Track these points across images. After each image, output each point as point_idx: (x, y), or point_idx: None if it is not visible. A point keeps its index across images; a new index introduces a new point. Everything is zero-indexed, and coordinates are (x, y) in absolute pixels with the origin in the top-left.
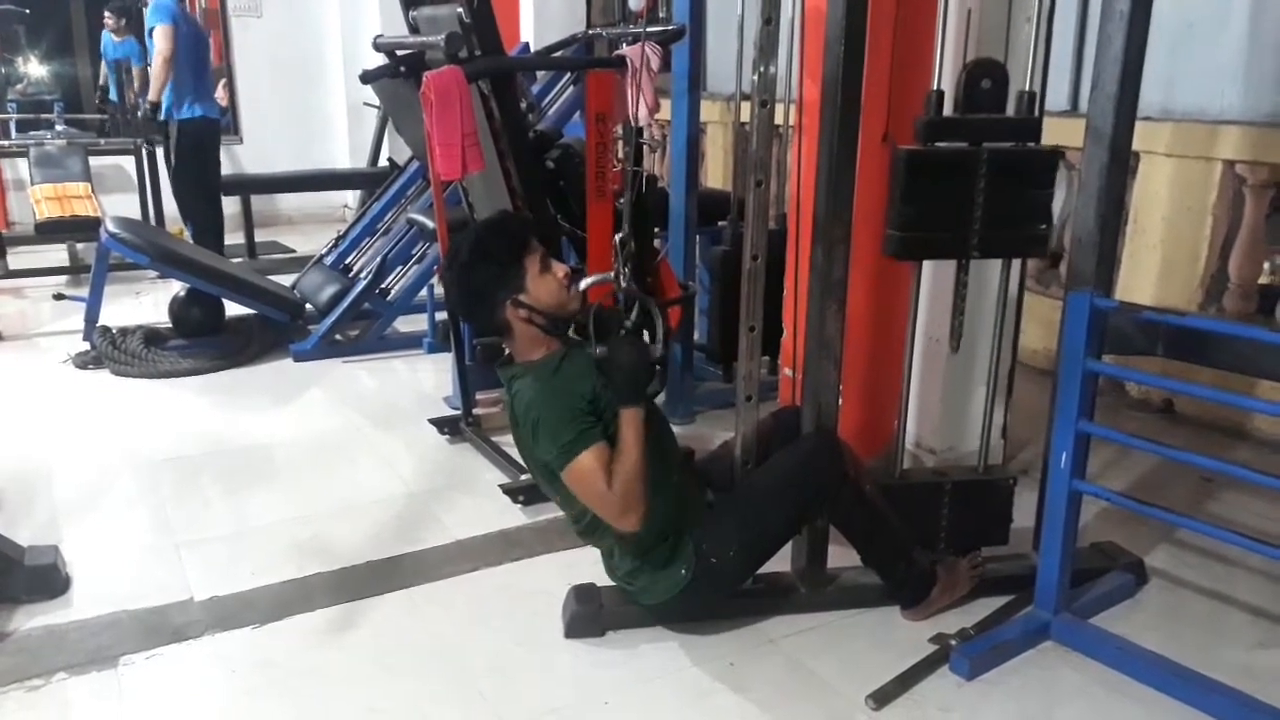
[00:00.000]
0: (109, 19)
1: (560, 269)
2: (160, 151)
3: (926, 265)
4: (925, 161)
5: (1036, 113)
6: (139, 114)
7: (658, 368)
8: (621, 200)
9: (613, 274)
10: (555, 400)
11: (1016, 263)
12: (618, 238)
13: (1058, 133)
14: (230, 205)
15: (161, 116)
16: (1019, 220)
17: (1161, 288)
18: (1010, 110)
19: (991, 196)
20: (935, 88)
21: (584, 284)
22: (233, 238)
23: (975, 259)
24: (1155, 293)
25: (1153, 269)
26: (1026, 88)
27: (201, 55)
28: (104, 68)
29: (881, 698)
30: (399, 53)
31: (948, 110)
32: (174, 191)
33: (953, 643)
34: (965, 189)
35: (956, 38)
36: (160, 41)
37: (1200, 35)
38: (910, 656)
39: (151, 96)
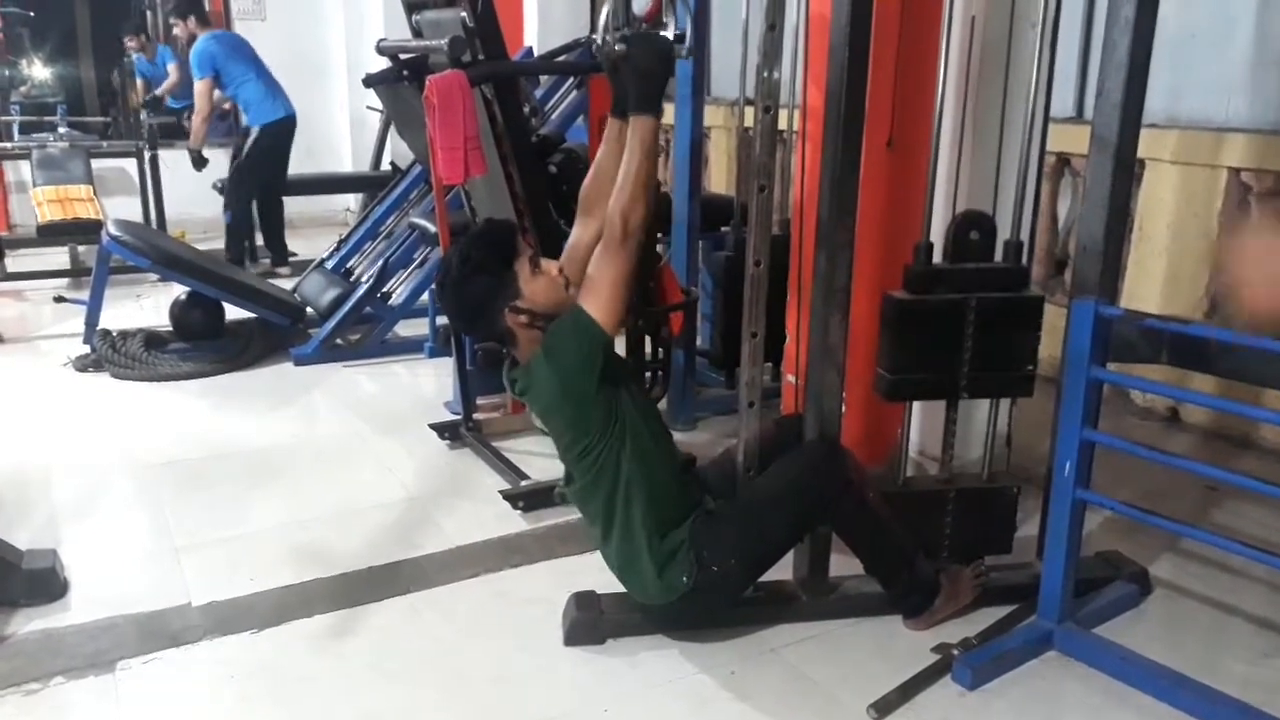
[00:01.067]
0: (130, 43)
1: (552, 266)
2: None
3: None
4: (916, 310)
5: (1023, 261)
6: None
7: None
8: None
9: None
10: (554, 345)
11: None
12: None
13: (1062, 139)
14: None
15: (245, 124)
16: (1006, 363)
17: (1167, 295)
18: (999, 257)
19: (979, 342)
20: (925, 240)
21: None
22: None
23: (964, 400)
24: (1160, 300)
25: (1158, 277)
26: (1013, 238)
27: (256, 60)
28: (139, 83)
29: (883, 707)
30: (402, 56)
31: (937, 258)
32: (231, 187)
33: (955, 652)
34: (954, 335)
35: (960, 43)
36: (199, 100)
37: (1206, 43)
38: (912, 666)
39: (193, 145)
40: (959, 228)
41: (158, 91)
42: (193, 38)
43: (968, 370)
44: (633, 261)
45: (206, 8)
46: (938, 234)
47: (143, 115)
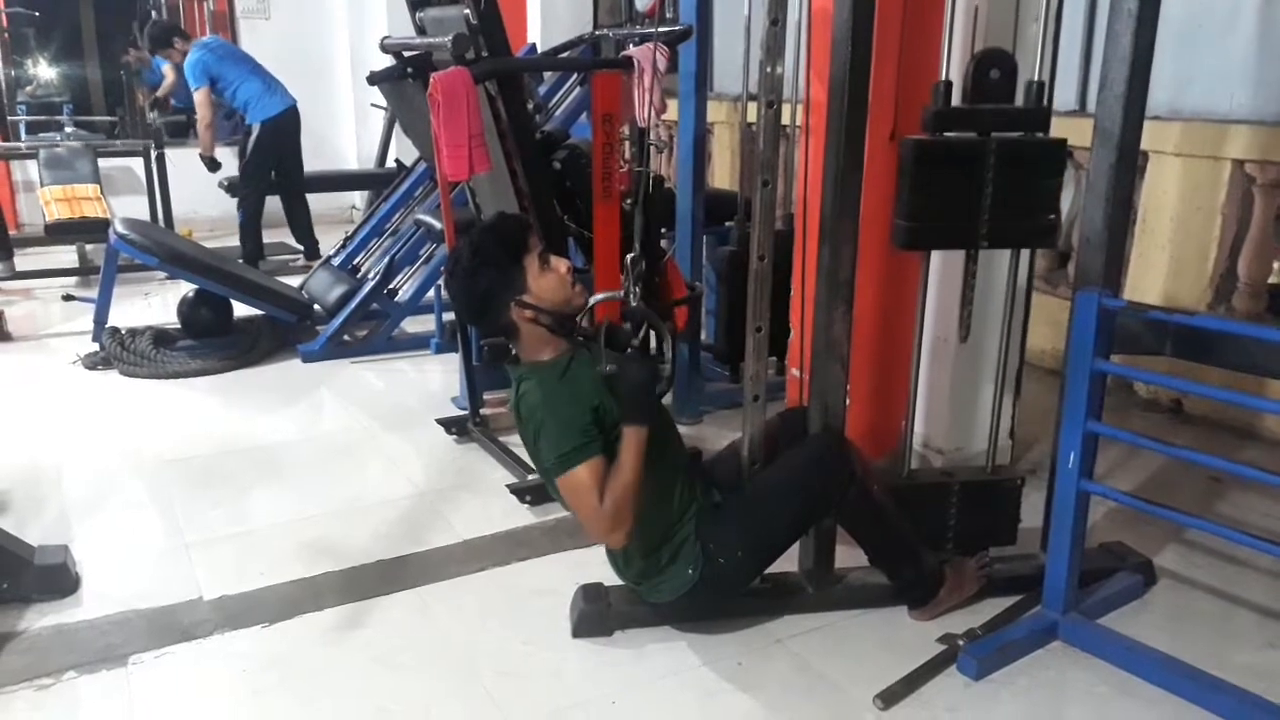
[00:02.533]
0: (131, 55)
1: (561, 264)
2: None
3: (934, 264)
4: (933, 152)
5: (1045, 103)
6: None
7: (666, 381)
8: (628, 201)
9: (622, 293)
10: (560, 407)
11: (1025, 257)
12: (629, 258)
13: (1065, 132)
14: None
15: (247, 122)
16: (1027, 211)
17: (1170, 287)
18: (1019, 101)
19: (1000, 187)
20: (943, 78)
21: (593, 300)
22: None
23: (984, 249)
24: (1164, 292)
25: (1161, 268)
26: (1035, 78)
27: (248, 59)
28: (145, 90)
29: (889, 698)
30: (406, 54)
31: (956, 101)
32: (241, 185)
33: (960, 643)
34: (973, 179)
35: (963, 37)
36: (200, 109)
37: (1209, 34)
38: (918, 657)
39: (203, 152)
40: (978, 66)
41: (158, 94)
42: (185, 54)
43: (987, 218)
44: (596, 539)
45: (182, 26)
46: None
47: (150, 116)
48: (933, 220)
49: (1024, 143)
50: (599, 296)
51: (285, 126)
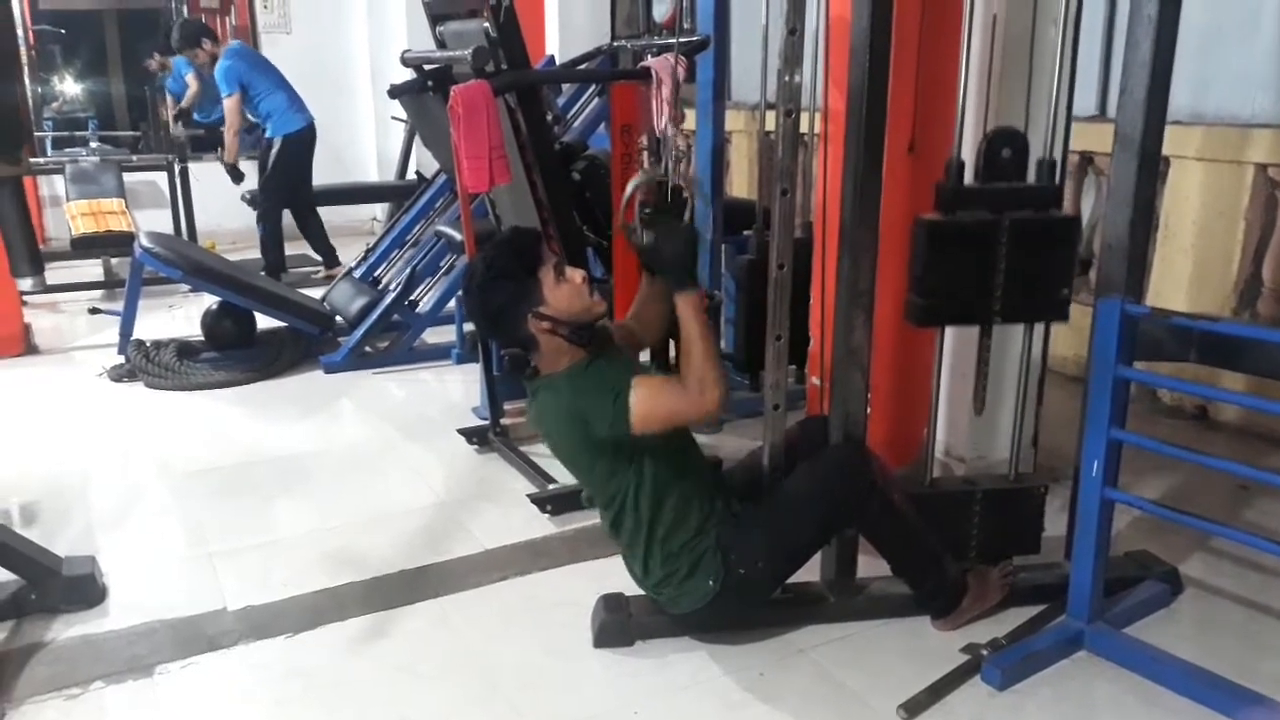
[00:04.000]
0: (153, 64)
1: (577, 274)
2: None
3: None
4: (947, 231)
5: (1056, 180)
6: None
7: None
8: (647, 211)
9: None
10: (590, 388)
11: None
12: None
13: (1085, 138)
14: None
15: (268, 135)
16: (1041, 286)
17: (1194, 293)
18: (1031, 178)
19: (1013, 264)
20: (955, 156)
21: (631, 185)
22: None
23: (998, 325)
24: (1187, 298)
25: (1184, 274)
26: (1045, 156)
27: (275, 72)
28: (169, 100)
29: (913, 708)
30: (426, 67)
31: (968, 179)
32: (262, 199)
33: (984, 652)
34: (987, 257)
35: (982, 43)
36: (229, 116)
37: (1230, 38)
38: (941, 666)
39: (227, 159)
40: (990, 145)
41: (183, 104)
42: (214, 58)
43: (1001, 294)
44: (698, 420)
45: (208, 28)
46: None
47: (175, 129)
48: (947, 297)
49: (1037, 220)
50: (637, 180)
51: (307, 142)
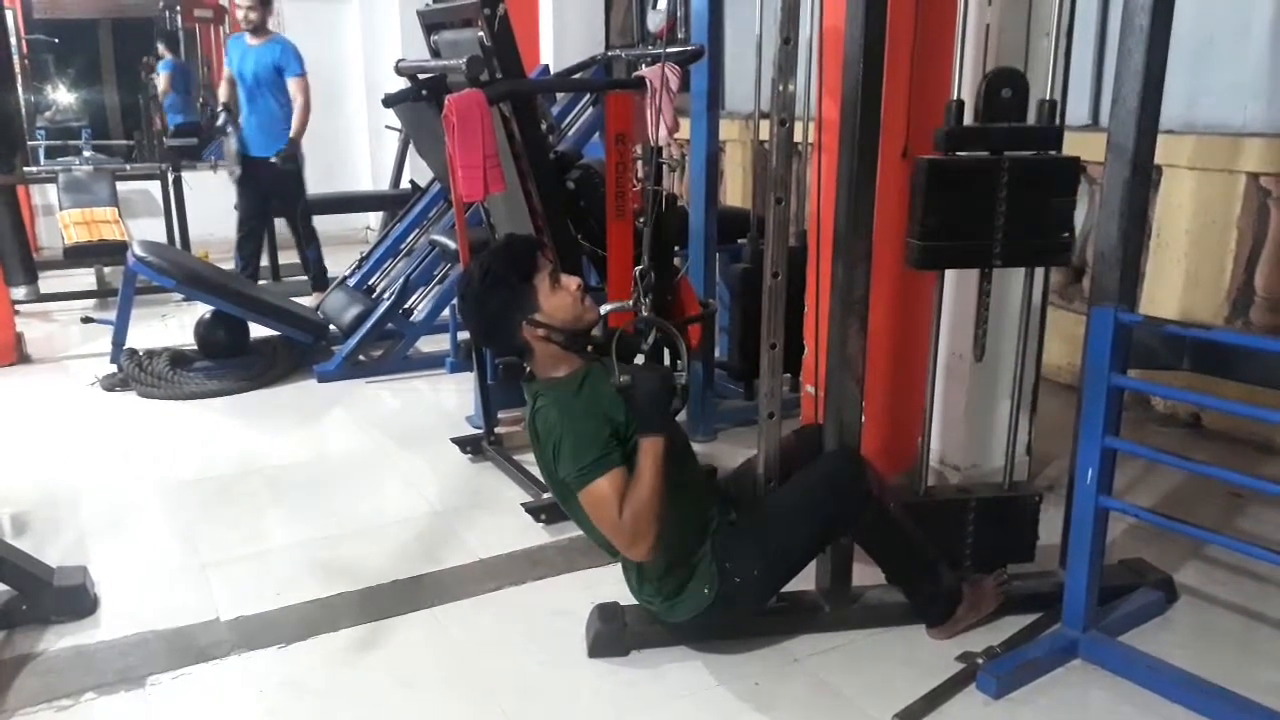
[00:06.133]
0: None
1: (572, 282)
2: (187, 178)
3: (948, 280)
4: (946, 171)
5: (1057, 121)
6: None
7: (680, 393)
8: (642, 220)
9: (631, 302)
10: (578, 422)
11: (1039, 274)
12: (638, 270)
13: (1078, 147)
14: None
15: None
16: (1041, 229)
17: (1186, 301)
18: (1031, 119)
19: (1013, 205)
20: (955, 97)
21: (605, 309)
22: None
23: (998, 268)
24: (1180, 307)
25: (1177, 283)
26: (1047, 96)
27: None
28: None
29: (908, 717)
30: (421, 76)
31: (968, 120)
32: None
33: (979, 661)
34: (987, 198)
35: (975, 53)
36: (302, 95)
37: (1222, 48)
38: (937, 675)
39: (295, 134)
40: (990, 86)
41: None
42: (261, 25)
43: (1001, 237)
44: (626, 552)
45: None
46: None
47: (167, 119)
48: (946, 239)
49: (1037, 161)
50: (609, 306)
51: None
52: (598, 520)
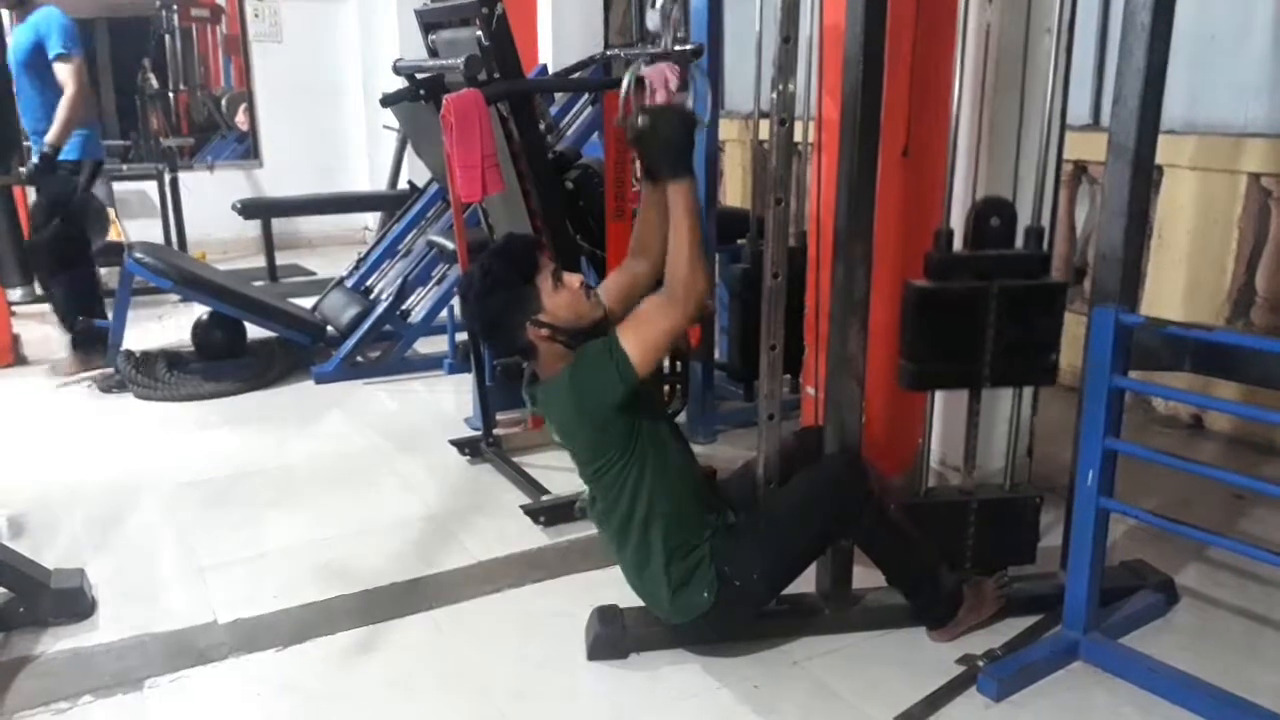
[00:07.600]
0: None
1: (574, 280)
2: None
3: None
4: (937, 298)
5: (1044, 248)
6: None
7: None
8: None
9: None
10: (582, 366)
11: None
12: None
13: (1079, 147)
14: (251, 229)
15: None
16: (1029, 351)
17: (1188, 302)
18: (1019, 244)
19: (1002, 329)
20: (945, 227)
21: (629, 75)
22: (253, 261)
23: (987, 389)
24: (1181, 307)
25: (1178, 283)
26: (1034, 224)
27: None
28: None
29: (908, 719)
30: (419, 76)
31: (957, 246)
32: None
33: (980, 663)
34: (976, 323)
35: (975, 53)
36: (74, 81)
37: (1223, 48)
38: (937, 678)
39: (53, 139)
40: (979, 214)
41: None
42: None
43: (990, 359)
44: (689, 321)
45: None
46: (957, 224)
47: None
48: (936, 362)
49: (1025, 288)
50: (633, 70)
51: None
52: (659, 328)
